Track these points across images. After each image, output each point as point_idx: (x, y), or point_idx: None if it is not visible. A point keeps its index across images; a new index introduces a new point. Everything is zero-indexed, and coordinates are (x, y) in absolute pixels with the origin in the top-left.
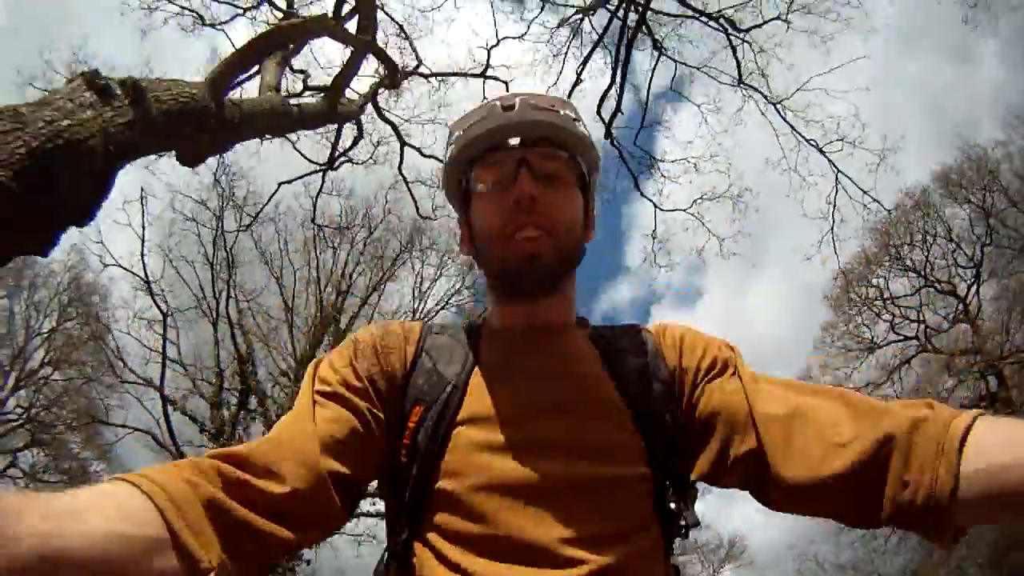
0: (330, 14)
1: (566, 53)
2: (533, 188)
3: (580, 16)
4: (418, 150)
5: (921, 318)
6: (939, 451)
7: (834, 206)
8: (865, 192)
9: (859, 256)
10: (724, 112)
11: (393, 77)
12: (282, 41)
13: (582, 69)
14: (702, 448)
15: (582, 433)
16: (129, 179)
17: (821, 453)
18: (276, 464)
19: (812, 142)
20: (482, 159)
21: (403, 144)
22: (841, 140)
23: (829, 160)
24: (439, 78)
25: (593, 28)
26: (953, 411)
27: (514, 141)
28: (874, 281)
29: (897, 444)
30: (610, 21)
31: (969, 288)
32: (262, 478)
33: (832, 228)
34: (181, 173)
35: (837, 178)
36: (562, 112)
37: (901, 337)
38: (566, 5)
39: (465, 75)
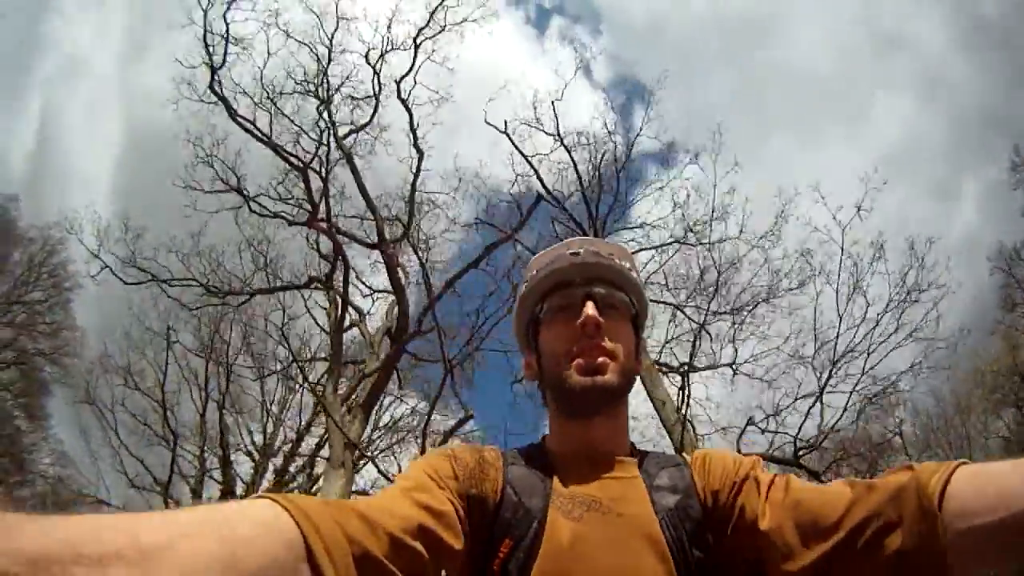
0: None
1: None
2: (598, 315)
3: None
4: None
5: None
6: (920, 511)
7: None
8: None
9: None
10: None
11: None
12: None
13: None
14: (735, 569)
15: (635, 566)
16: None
17: (814, 543)
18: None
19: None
20: (552, 293)
21: None
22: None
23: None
24: None
25: None
26: (933, 468)
27: (580, 279)
28: None
29: (883, 515)
30: None
31: None
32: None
33: None
34: None
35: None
36: (619, 260)
37: None
38: None
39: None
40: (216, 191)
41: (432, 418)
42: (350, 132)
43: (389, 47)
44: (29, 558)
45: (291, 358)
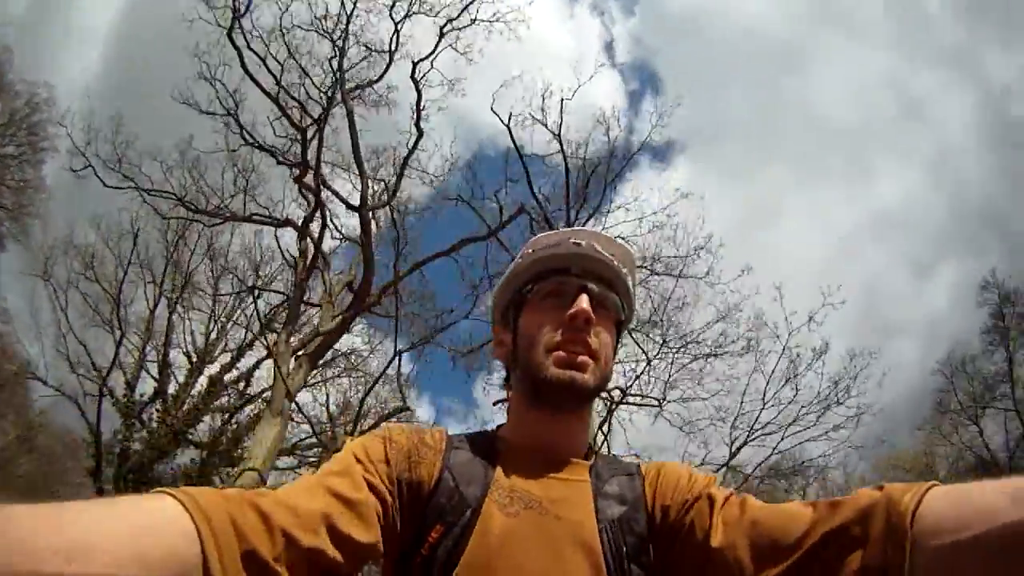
0: None
1: None
2: (590, 310)
3: None
4: None
5: None
6: (890, 530)
7: None
8: None
9: None
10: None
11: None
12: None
13: None
14: None
15: (564, 573)
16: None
17: (769, 562)
18: (282, 525)
19: None
20: (547, 276)
21: None
22: None
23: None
24: None
25: None
26: (904, 487)
27: (577, 270)
28: None
29: (847, 533)
30: None
31: None
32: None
33: None
34: None
35: None
36: (618, 263)
37: None
38: None
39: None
40: (212, 113)
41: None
42: (357, 87)
43: (416, 8)
44: None
45: (249, 285)
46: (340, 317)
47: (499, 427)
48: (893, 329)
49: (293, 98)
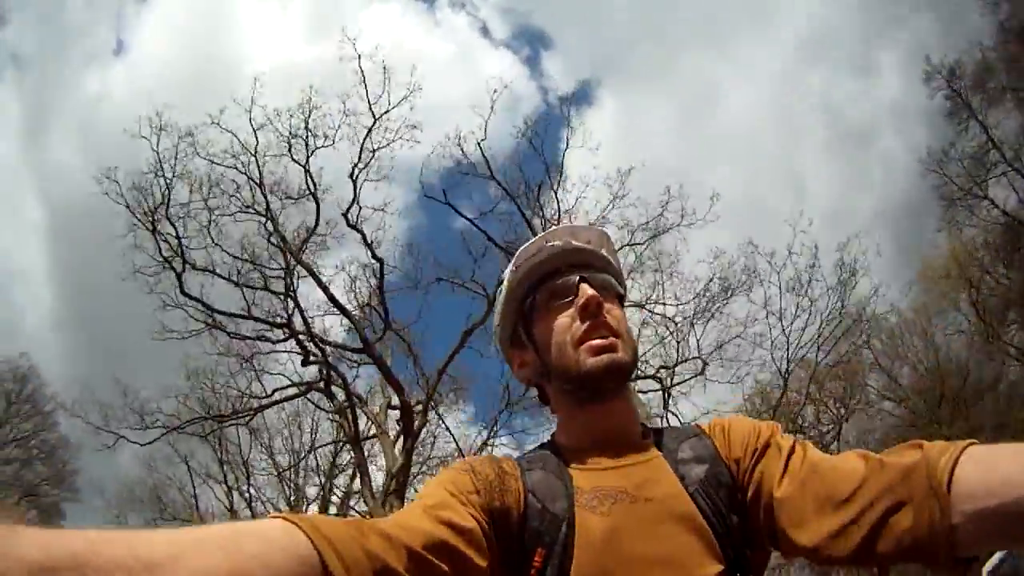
0: None
1: None
2: (597, 295)
3: None
4: None
5: None
6: (930, 491)
7: None
8: None
9: None
10: None
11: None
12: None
13: None
14: (755, 528)
15: (673, 550)
16: None
17: (826, 514)
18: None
19: None
20: (543, 283)
21: None
22: None
23: None
24: None
25: None
26: (941, 448)
27: (565, 266)
28: None
29: (893, 493)
30: None
31: None
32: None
33: None
34: None
35: None
36: (595, 245)
37: None
38: None
39: None
40: (194, 332)
41: None
42: (303, 243)
43: (315, 144)
44: (32, 567)
45: (300, 453)
46: (403, 450)
47: (552, 437)
48: (870, 135)
49: (259, 288)
